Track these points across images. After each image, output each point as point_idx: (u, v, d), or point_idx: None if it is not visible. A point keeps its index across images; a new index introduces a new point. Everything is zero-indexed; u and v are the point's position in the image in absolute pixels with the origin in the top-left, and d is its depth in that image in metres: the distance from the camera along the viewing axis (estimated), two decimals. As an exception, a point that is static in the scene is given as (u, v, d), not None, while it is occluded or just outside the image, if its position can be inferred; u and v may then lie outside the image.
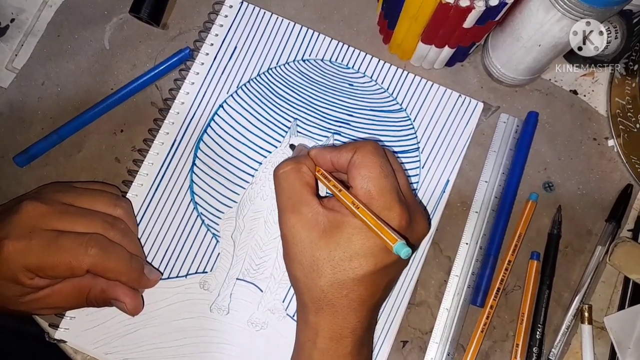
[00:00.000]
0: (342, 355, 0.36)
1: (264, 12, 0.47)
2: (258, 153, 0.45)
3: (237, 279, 0.43)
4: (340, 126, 0.46)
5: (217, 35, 0.47)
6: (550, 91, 0.48)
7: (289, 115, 0.46)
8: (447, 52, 0.44)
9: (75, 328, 0.42)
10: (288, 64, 0.47)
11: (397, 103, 0.46)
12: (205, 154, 0.45)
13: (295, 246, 0.36)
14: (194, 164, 0.45)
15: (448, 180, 0.45)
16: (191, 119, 0.45)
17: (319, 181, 0.39)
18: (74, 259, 0.37)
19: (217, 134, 0.46)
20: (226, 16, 0.47)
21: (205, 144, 0.45)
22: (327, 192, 0.43)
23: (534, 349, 0.43)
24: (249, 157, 0.45)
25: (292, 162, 0.39)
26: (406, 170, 0.45)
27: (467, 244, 0.45)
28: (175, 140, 0.45)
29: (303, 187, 0.37)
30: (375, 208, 0.35)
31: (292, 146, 0.45)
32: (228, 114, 0.46)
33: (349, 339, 0.36)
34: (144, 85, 0.47)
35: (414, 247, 0.35)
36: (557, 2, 0.36)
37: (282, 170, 0.38)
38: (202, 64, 0.46)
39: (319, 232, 0.36)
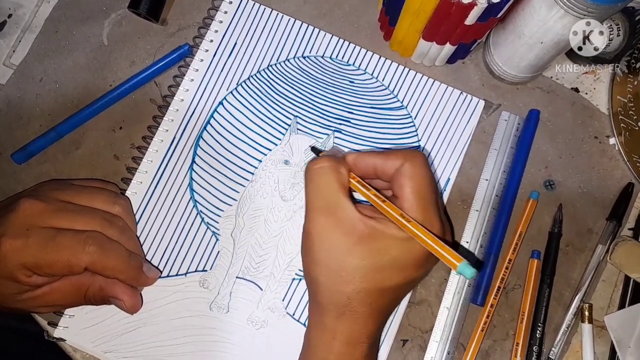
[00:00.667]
0: (357, 359, 0.36)
1: (264, 9, 0.47)
2: (258, 151, 0.45)
3: (236, 277, 0.43)
4: (340, 124, 0.46)
5: (216, 31, 0.46)
6: (551, 89, 0.48)
7: (289, 112, 0.46)
8: (448, 49, 0.44)
9: (74, 326, 0.42)
10: (288, 60, 0.46)
11: (398, 100, 0.46)
12: (205, 152, 0.45)
13: (323, 249, 0.35)
14: (193, 161, 0.45)
15: (449, 179, 0.45)
16: (190, 116, 0.45)
17: (353, 188, 0.37)
18: (72, 256, 0.36)
19: (216, 131, 0.45)
20: (226, 12, 0.47)
21: (205, 141, 0.45)
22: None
23: (534, 347, 0.43)
24: (248, 154, 0.45)
25: (329, 160, 0.37)
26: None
27: (467, 242, 0.45)
28: (174, 138, 0.45)
29: (340, 189, 0.36)
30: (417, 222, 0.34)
31: (313, 149, 0.43)
32: (228, 111, 0.46)
33: (365, 344, 0.36)
34: (143, 82, 0.46)
35: (478, 266, 0.34)
36: None
37: (318, 165, 0.36)
38: (202, 60, 0.46)
39: (355, 238, 0.34)
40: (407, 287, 0.37)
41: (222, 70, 0.46)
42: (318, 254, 0.35)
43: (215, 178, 0.45)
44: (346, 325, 0.35)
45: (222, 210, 0.44)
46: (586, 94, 0.48)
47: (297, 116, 0.46)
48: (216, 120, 0.45)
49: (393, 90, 0.46)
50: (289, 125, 0.46)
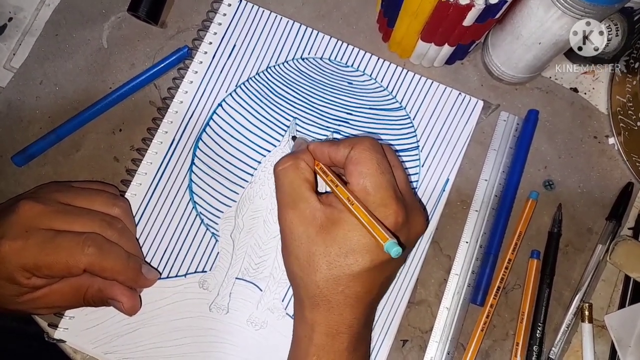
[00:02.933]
0: (339, 351, 0.36)
1: (263, 11, 0.47)
2: (257, 152, 0.45)
3: (236, 278, 0.43)
4: (339, 125, 0.46)
5: (215, 33, 0.46)
6: (550, 89, 0.48)
7: (288, 114, 0.46)
8: (446, 50, 0.44)
9: (74, 328, 0.42)
10: (287, 62, 0.47)
11: (397, 101, 0.46)
12: (204, 153, 0.45)
13: (293, 241, 0.36)
14: (192, 163, 0.45)
15: (448, 179, 0.45)
16: (190, 118, 0.45)
17: (317, 176, 0.39)
18: (70, 258, 0.37)
19: (216, 133, 0.45)
20: (225, 15, 0.47)
21: (204, 143, 0.45)
22: (326, 188, 0.43)
23: (534, 347, 0.43)
24: (248, 156, 0.45)
25: (291, 158, 0.39)
26: (406, 168, 0.45)
27: (467, 242, 0.45)
28: (174, 140, 0.45)
29: (302, 184, 0.38)
30: (371, 204, 0.35)
31: (293, 138, 0.45)
32: (227, 113, 0.46)
33: (345, 335, 0.36)
34: (143, 84, 0.46)
35: (404, 246, 0.35)
36: (558, 0, 0.36)
37: (281, 167, 0.39)
38: (201, 62, 0.46)
39: (316, 227, 0.36)
40: (380, 271, 0.36)
41: (221, 72, 0.46)
42: (290, 247, 0.37)
43: (215, 179, 0.45)
44: (322, 316, 0.36)
45: (222, 212, 0.44)
46: (585, 93, 0.48)
47: (296, 118, 0.46)
48: (215, 122, 0.45)
49: (392, 92, 0.46)
50: (288, 127, 0.46)
